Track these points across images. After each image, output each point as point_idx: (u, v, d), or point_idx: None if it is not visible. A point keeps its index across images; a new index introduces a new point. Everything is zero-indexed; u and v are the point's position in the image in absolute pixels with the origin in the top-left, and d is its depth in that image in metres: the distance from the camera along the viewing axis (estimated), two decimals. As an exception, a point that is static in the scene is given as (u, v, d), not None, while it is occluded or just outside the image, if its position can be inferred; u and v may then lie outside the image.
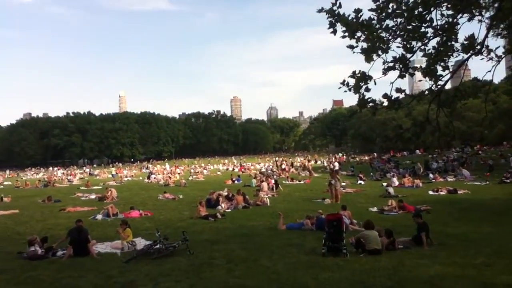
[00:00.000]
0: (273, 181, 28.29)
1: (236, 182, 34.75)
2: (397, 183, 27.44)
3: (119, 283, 7.98)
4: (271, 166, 55.48)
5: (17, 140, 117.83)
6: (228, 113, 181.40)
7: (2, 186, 44.20)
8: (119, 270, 8.99)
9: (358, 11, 5.94)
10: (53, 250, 10.86)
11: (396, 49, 6.19)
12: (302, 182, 33.68)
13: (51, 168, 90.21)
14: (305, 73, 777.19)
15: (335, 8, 5.98)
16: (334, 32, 6.09)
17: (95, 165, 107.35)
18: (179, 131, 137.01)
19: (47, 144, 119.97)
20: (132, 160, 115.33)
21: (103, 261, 9.97)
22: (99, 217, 17.51)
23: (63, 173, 65.64)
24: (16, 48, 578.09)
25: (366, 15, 6.04)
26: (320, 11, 6.03)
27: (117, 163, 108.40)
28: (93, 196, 27.02)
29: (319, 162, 65.71)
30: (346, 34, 6.02)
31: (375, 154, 71.82)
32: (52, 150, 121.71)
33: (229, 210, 18.54)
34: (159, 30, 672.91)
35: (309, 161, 60.91)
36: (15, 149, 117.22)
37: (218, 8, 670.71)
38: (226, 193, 22.02)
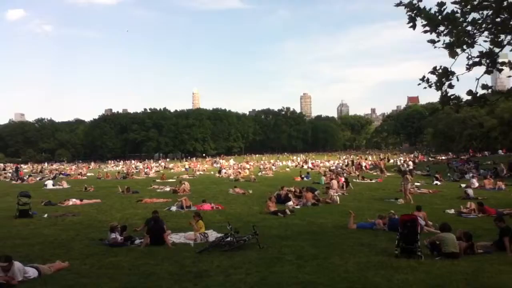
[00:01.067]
0: (343, 179, 27.84)
1: (305, 179, 34.62)
2: (477, 184, 25.84)
3: (193, 273, 8.28)
4: (341, 164, 54.65)
5: (99, 134, 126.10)
6: (298, 110, 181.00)
7: (85, 177, 47.47)
8: (192, 260, 9.33)
9: (441, 4, 5.66)
10: (131, 238, 11.50)
11: (482, 43, 5.82)
12: (373, 181, 32.81)
13: (129, 161, 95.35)
14: (378, 69, 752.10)
15: (415, 1, 5.75)
16: (414, 26, 5.86)
17: (168, 159, 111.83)
18: (249, 127, 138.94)
19: (126, 138, 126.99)
20: (204, 155, 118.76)
21: (177, 251, 10.39)
22: (174, 208, 18.28)
23: (142, 166, 68.96)
24: (99, 48, 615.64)
25: (449, 8, 5.75)
26: (398, 5, 5.84)
27: (189, 157, 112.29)
28: (167, 189, 28.22)
29: (391, 161, 63.67)
30: (427, 28, 5.77)
31: (450, 153, 68.20)
32: (131, 144, 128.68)
33: (298, 207, 18.52)
34: (231, 28, 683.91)
35: (381, 159, 59.19)
36: (97, 142, 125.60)
37: (289, 5, 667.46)
38: (294, 190, 22.04)
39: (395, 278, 7.74)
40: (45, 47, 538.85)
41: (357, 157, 70.87)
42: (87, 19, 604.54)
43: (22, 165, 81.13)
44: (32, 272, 8.01)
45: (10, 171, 59.12)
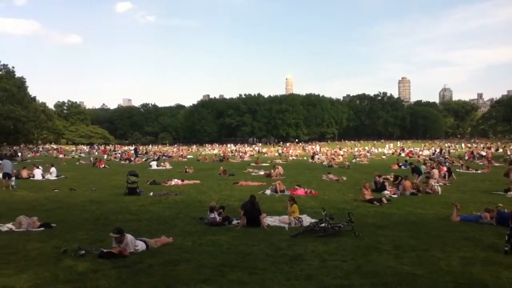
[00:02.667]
0: (445, 168, 26.23)
1: (402, 167, 33.20)
2: None
3: (288, 256, 8.40)
4: (442, 152, 51.55)
5: (198, 119, 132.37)
6: (396, 95, 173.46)
7: (186, 159, 50.20)
8: (287, 244, 9.46)
9: None
10: (229, 218, 11.96)
11: None
12: (479, 171, 30.50)
13: (225, 145, 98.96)
14: (485, 51, 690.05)
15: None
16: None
17: (261, 144, 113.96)
18: (343, 113, 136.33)
19: (222, 123, 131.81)
20: (296, 140, 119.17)
21: (272, 233, 10.60)
22: (268, 192, 18.63)
23: (243, 149, 71.13)
24: (197, 36, 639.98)
25: None
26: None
27: (281, 142, 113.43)
28: (261, 172, 28.81)
29: (500, 150, 58.59)
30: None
31: None
32: (227, 129, 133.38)
33: (395, 196, 17.84)
34: (325, 12, 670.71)
35: (489, 148, 54.76)
36: (196, 127, 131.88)
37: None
38: (392, 178, 21.28)
39: (504, 275, 7.18)
40: (149, 37, 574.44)
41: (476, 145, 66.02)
42: (186, 9, 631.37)
43: (129, 147, 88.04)
44: (141, 245, 8.71)
45: (119, 152, 64.51)
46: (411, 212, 14.02)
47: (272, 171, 27.06)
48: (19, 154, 55.61)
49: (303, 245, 9.31)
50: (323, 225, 10.49)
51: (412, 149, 65.59)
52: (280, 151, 66.95)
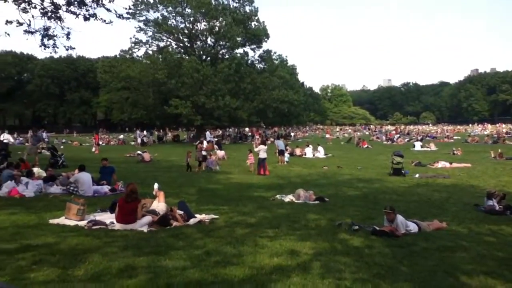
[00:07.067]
0: None
1: None
2: None
3: None
4: None
5: (464, 96, 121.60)
6: None
7: (452, 141, 46.75)
8: None
9: None
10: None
11: None
12: None
13: (499, 125, 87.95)
14: None
15: None
16: None
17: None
18: None
19: (495, 100, 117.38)
20: None
21: None
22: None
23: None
24: (463, 4, 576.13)
25: None
26: None
27: None
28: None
29: None
30: None
31: None
32: (500, 106, 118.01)
33: None
34: None
35: None
36: (463, 105, 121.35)
37: None
38: None
39: None
40: (410, 13, 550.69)
41: None
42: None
43: (390, 126, 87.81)
44: (413, 227, 8.55)
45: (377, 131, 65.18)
46: None
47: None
48: (292, 134, 62.61)
49: None
50: None
51: None
52: None
